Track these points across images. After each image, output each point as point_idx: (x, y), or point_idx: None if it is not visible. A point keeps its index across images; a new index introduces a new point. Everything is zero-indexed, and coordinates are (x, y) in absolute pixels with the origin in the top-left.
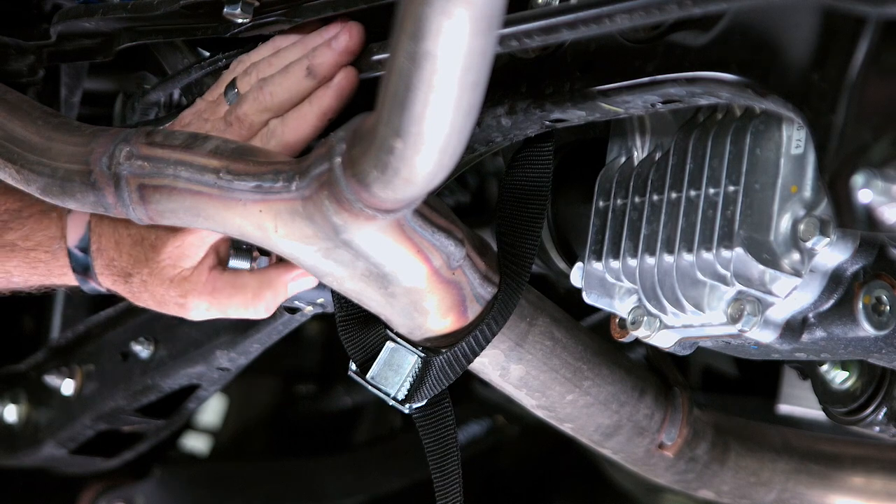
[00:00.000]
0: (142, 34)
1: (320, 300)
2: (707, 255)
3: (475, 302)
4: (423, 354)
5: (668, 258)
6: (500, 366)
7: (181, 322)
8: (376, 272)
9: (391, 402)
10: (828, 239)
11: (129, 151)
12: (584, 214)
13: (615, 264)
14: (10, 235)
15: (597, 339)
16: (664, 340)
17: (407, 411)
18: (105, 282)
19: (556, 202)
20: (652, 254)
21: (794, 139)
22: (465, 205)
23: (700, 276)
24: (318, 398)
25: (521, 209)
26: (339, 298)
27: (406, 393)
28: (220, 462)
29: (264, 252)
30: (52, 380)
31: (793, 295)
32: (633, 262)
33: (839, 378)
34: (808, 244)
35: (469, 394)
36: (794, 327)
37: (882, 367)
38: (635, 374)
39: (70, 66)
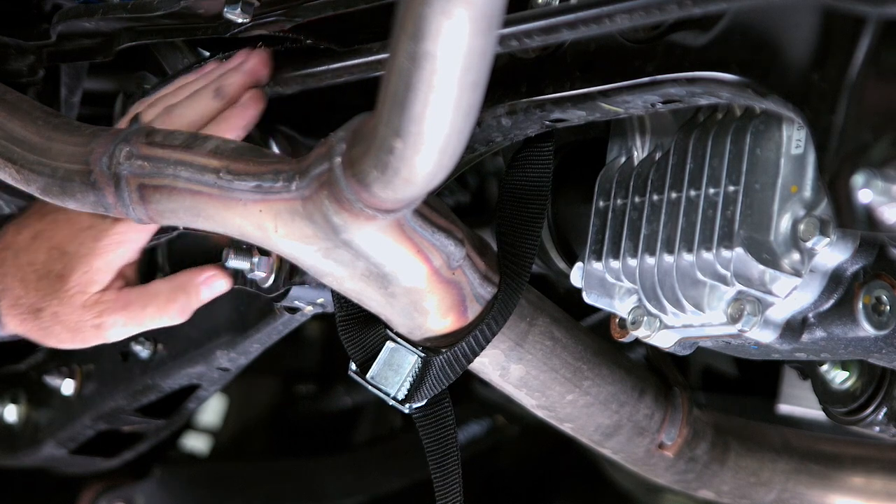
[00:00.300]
0: (142, 34)
1: (320, 300)
2: (707, 255)
3: (475, 302)
4: (423, 354)
5: (668, 258)
6: (500, 366)
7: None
8: (376, 272)
9: (391, 402)
10: (828, 239)
11: (129, 151)
12: (584, 214)
13: (615, 264)
14: None
15: (597, 339)
16: (664, 340)
17: (407, 411)
18: (11, 323)
19: (556, 202)
20: (652, 254)
21: (794, 139)
22: (465, 205)
23: (700, 276)
24: (318, 398)
25: (521, 209)
26: (339, 298)
27: (406, 393)
28: (220, 462)
29: (264, 252)
30: (52, 380)
31: (793, 295)
32: (633, 262)
33: (839, 378)
34: (808, 244)
35: (469, 394)
36: (794, 327)
37: (882, 367)
38: (635, 374)
39: (70, 66)
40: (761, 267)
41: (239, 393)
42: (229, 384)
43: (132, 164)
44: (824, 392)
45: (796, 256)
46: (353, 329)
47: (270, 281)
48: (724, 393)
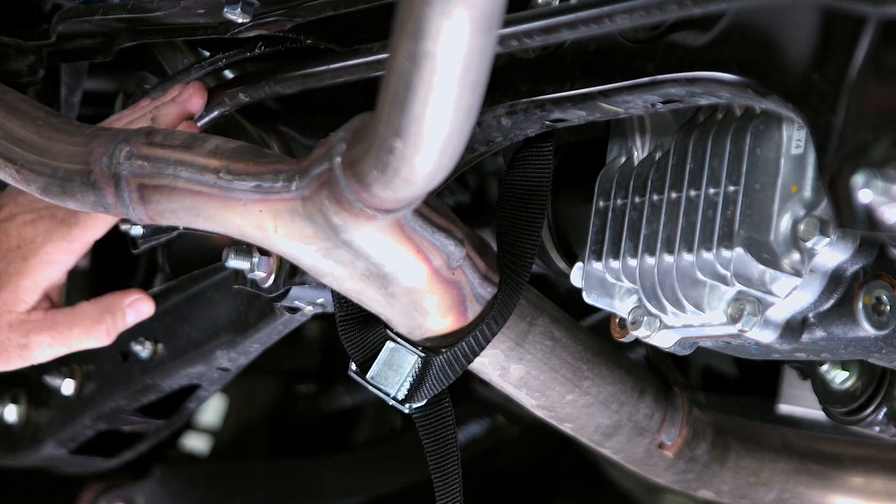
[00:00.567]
0: (142, 34)
1: (320, 300)
2: (707, 255)
3: (475, 302)
4: (423, 354)
5: (668, 258)
6: (500, 366)
7: (181, 322)
8: (376, 272)
9: (391, 402)
10: (828, 239)
11: (129, 151)
12: (584, 214)
13: (615, 264)
14: None
15: (597, 339)
16: (664, 340)
17: (407, 411)
18: None
19: (556, 202)
20: (652, 254)
21: (794, 139)
22: (465, 205)
23: (700, 276)
24: (318, 398)
25: (521, 209)
26: (339, 298)
27: (406, 393)
28: (220, 462)
29: (264, 252)
30: (52, 380)
31: (793, 295)
32: (633, 262)
33: (839, 378)
34: (808, 244)
35: (469, 394)
36: (794, 327)
37: (882, 367)
38: (635, 374)
39: (70, 66)
40: (761, 267)
41: (239, 393)
42: (229, 384)
43: (132, 164)
44: (824, 392)
45: (796, 256)
46: (353, 329)
47: (270, 281)
48: (724, 393)
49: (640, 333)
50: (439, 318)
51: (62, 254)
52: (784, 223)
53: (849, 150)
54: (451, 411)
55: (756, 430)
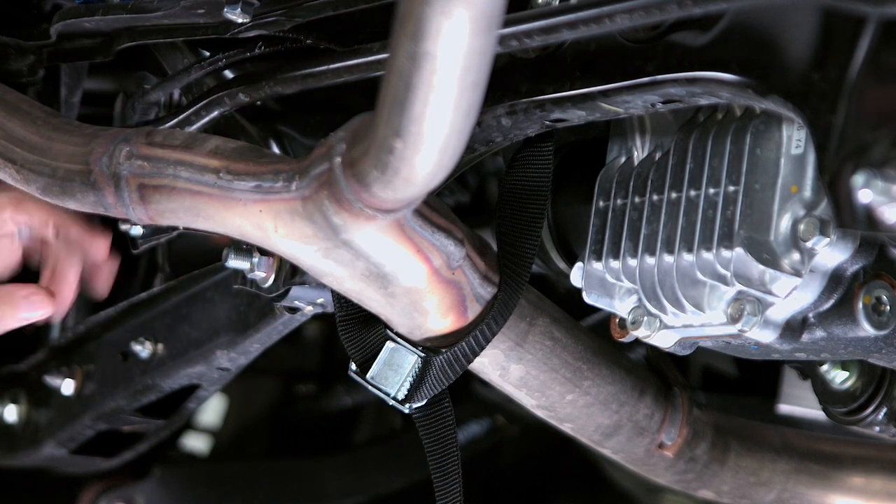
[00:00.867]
0: (142, 34)
1: (320, 300)
2: (707, 255)
3: (475, 302)
4: (423, 354)
5: (668, 258)
6: (500, 366)
7: (181, 322)
8: (376, 272)
9: (391, 402)
10: (828, 239)
11: (129, 151)
12: (584, 214)
13: (615, 264)
14: None
15: (597, 339)
16: (664, 340)
17: (407, 411)
18: None
19: (556, 202)
20: (652, 254)
21: (794, 139)
22: (465, 205)
23: (700, 276)
24: (318, 398)
25: (521, 209)
26: (339, 298)
27: (406, 393)
28: (220, 462)
29: (264, 252)
30: (52, 380)
31: (793, 295)
32: (633, 262)
33: (839, 378)
34: (808, 244)
35: (469, 394)
36: (794, 327)
37: (882, 367)
38: (635, 374)
39: (70, 66)
40: (761, 267)
41: (239, 393)
42: (229, 384)
43: (132, 164)
44: (824, 392)
45: (796, 256)
46: (353, 329)
47: (270, 281)
48: (724, 393)
49: (640, 333)
50: (439, 318)
51: None
52: (784, 223)
53: (849, 150)
54: (451, 411)
55: (756, 430)
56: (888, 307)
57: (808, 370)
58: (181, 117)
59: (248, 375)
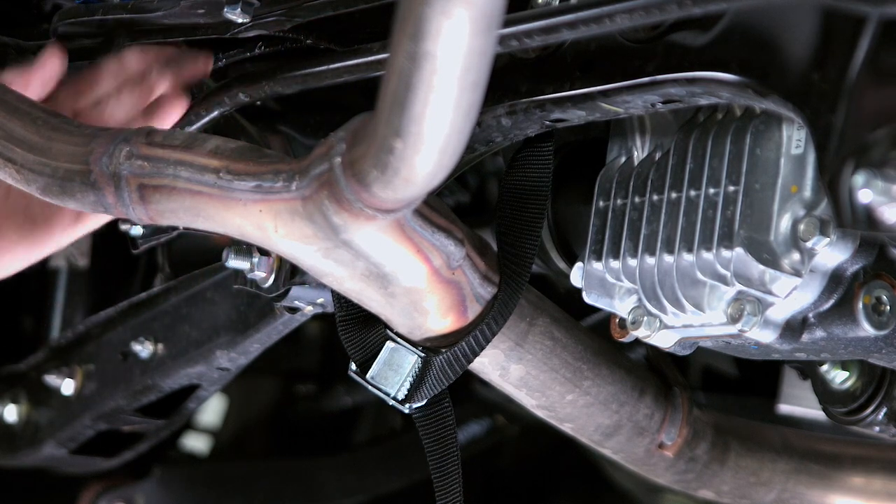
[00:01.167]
0: (142, 34)
1: (320, 300)
2: (707, 255)
3: (475, 302)
4: (423, 354)
5: (668, 258)
6: (500, 366)
7: (181, 322)
8: (376, 272)
9: (391, 402)
10: (828, 239)
11: (129, 151)
12: (584, 214)
13: (615, 264)
14: None
15: (597, 339)
16: (664, 340)
17: (407, 411)
18: None
19: (556, 202)
20: (652, 254)
21: (794, 139)
22: (465, 205)
23: (700, 276)
24: (318, 398)
25: (521, 209)
26: (339, 298)
27: (406, 393)
28: (220, 462)
29: (264, 252)
30: (52, 380)
31: (793, 295)
32: (633, 262)
33: (839, 378)
34: (808, 244)
35: (469, 394)
36: (794, 327)
37: (882, 367)
38: (635, 374)
39: (70, 66)
40: (761, 267)
41: (239, 393)
42: (229, 384)
43: (132, 164)
44: (824, 392)
45: (796, 256)
46: (353, 329)
47: (270, 281)
48: (724, 393)
49: (640, 333)
50: (439, 318)
51: None
52: (784, 223)
53: (849, 150)
54: (451, 411)
55: (756, 430)
56: (888, 307)
57: (808, 370)
58: (181, 117)
59: (248, 375)
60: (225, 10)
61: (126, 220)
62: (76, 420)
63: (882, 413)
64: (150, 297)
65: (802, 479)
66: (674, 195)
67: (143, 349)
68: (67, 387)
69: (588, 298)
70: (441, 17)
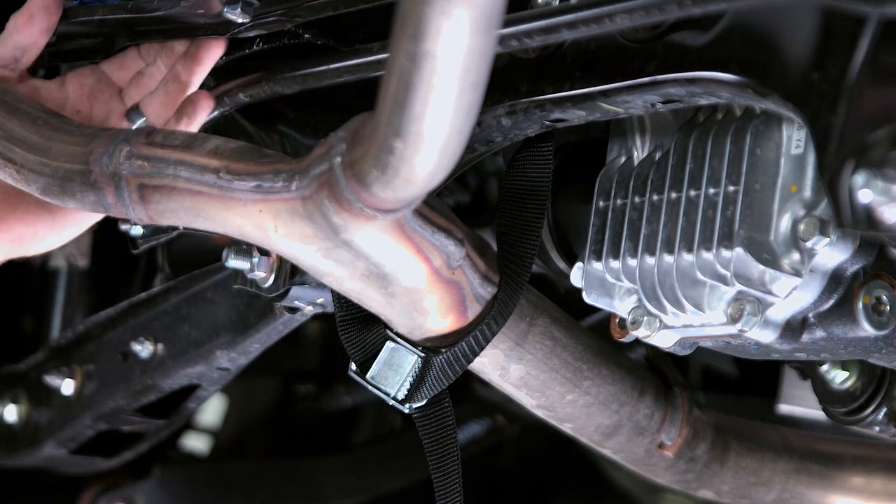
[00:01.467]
0: (142, 34)
1: (320, 300)
2: (707, 255)
3: (475, 302)
4: (423, 354)
5: (668, 258)
6: (500, 366)
7: (181, 322)
8: (376, 272)
9: (391, 402)
10: (828, 239)
11: (129, 151)
12: (584, 214)
13: (615, 264)
14: None
15: (597, 339)
16: (664, 340)
17: (407, 411)
18: None
19: (556, 202)
20: (652, 254)
21: (794, 139)
22: (465, 205)
23: (700, 276)
24: (318, 398)
25: (521, 209)
26: (339, 298)
27: (406, 393)
28: (220, 462)
29: (264, 252)
30: (52, 380)
31: (793, 295)
32: (633, 262)
33: (839, 378)
34: (808, 244)
35: (469, 394)
36: (794, 327)
37: (882, 367)
38: (635, 374)
39: (70, 66)
40: (761, 267)
41: (239, 393)
42: (229, 384)
43: (132, 164)
44: (824, 392)
45: (796, 256)
46: (353, 329)
47: (270, 281)
48: (724, 393)
49: (640, 333)
50: (439, 318)
51: None
52: (784, 223)
53: (849, 150)
54: (451, 411)
55: (756, 430)
56: (888, 307)
57: (808, 370)
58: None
59: (248, 375)
60: (225, 10)
61: (126, 220)
62: (76, 420)
63: (882, 413)
64: (150, 297)
65: (802, 479)
66: (674, 195)
67: (143, 349)
68: (67, 387)
69: (588, 298)
70: (441, 17)
